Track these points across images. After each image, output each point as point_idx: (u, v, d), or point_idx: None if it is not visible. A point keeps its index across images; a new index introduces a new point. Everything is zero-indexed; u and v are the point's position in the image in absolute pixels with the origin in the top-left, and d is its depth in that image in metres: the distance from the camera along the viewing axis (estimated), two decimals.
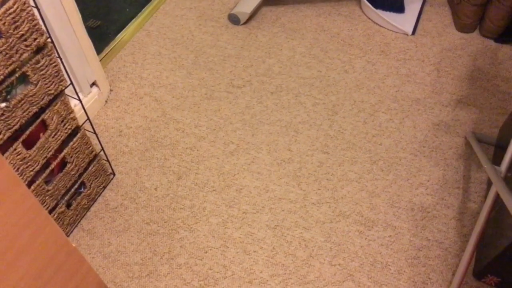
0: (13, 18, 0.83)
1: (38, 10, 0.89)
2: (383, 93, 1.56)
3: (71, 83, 1.06)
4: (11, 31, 0.84)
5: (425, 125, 1.47)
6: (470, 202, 1.30)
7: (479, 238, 1.09)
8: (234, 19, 1.77)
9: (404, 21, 1.74)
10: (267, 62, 1.67)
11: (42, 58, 0.94)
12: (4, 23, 0.82)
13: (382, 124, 1.48)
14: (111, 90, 1.59)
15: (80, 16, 1.35)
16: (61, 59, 1.00)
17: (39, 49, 0.93)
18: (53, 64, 0.98)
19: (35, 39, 0.90)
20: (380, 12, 1.74)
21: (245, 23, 1.79)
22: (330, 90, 1.57)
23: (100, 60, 1.66)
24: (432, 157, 1.39)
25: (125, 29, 1.78)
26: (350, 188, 1.33)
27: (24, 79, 0.94)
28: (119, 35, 1.76)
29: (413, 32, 1.72)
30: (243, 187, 1.35)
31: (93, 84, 1.50)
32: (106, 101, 1.56)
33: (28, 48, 0.89)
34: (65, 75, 1.04)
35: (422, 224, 1.26)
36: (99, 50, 1.70)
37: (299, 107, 1.53)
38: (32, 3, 0.88)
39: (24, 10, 0.85)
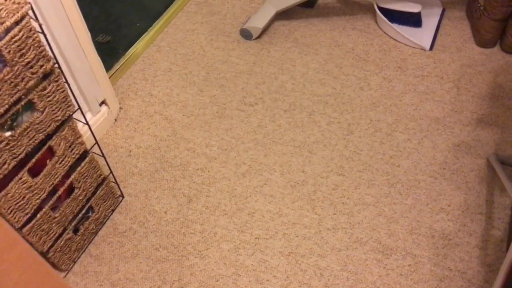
0: (18, 46, 0.80)
1: (45, 35, 0.86)
2: (400, 111, 1.50)
3: (79, 107, 1.03)
4: (16, 59, 0.81)
5: (445, 146, 1.41)
6: (493, 229, 1.23)
7: (509, 269, 1.03)
8: (246, 34, 1.74)
9: (422, 36, 1.69)
10: (280, 79, 1.62)
11: (49, 85, 0.91)
12: (9, 51, 0.79)
13: (400, 145, 1.42)
14: (120, 108, 1.56)
15: (90, 34, 1.33)
16: (68, 84, 0.97)
17: (46, 76, 0.90)
18: (61, 90, 0.95)
19: (42, 66, 0.87)
20: (396, 26, 1.69)
21: (257, 38, 1.75)
22: (345, 108, 1.52)
23: (110, 77, 1.64)
24: (452, 180, 1.33)
25: (135, 44, 1.75)
26: (367, 213, 1.28)
27: (30, 106, 0.91)
28: (129, 50, 1.73)
29: (431, 48, 1.66)
30: (255, 211, 1.30)
31: (103, 102, 1.47)
32: (115, 120, 1.53)
33: (34, 76, 0.86)
34: (73, 99, 1.01)
35: (444, 252, 1.20)
36: (108, 66, 1.67)
37: (313, 126, 1.48)
38: (38, 29, 0.85)
39: (30, 37, 0.82)
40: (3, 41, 0.77)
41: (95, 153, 1.17)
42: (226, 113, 1.54)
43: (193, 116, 1.53)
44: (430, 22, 1.74)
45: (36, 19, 0.82)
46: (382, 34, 1.73)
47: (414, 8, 1.68)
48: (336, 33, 1.75)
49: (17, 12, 0.78)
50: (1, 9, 0.78)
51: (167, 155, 1.44)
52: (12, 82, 0.82)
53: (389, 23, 1.68)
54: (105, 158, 1.21)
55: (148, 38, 1.77)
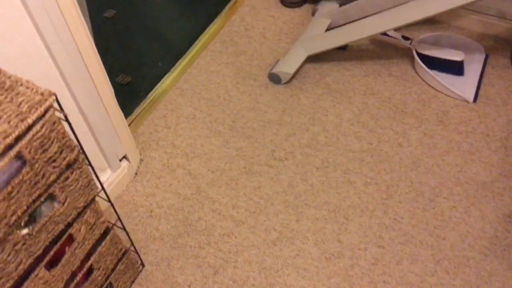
0: (40, 142, 0.70)
1: (69, 124, 0.76)
2: (443, 173, 1.39)
3: (102, 188, 0.93)
4: (37, 156, 0.71)
5: (495, 216, 1.29)
6: None
7: None
8: (275, 79, 1.63)
9: (464, 86, 1.57)
10: (311, 130, 1.51)
11: (72, 173, 0.81)
12: (30, 151, 0.69)
13: (445, 213, 1.30)
14: (141, 160, 1.46)
15: (112, 90, 1.23)
16: (92, 167, 0.87)
17: (69, 165, 0.80)
18: (84, 176, 0.85)
19: (65, 157, 0.77)
20: (435, 74, 1.57)
21: (286, 82, 1.64)
22: (382, 167, 1.41)
23: (130, 124, 1.54)
24: (504, 258, 1.21)
25: (157, 86, 1.65)
26: None
27: (49, 196, 0.81)
28: (150, 93, 1.63)
29: (475, 99, 1.54)
30: (287, 287, 1.19)
31: (123, 157, 1.37)
32: (136, 173, 1.43)
33: (57, 169, 0.76)
34: (94, 180, 0.91)
35: None
36: (129, 111, 1.58)
37: (348, 187, 1.37)
38: (62, 116, 0.75)
39: (54, 130, 0.72)
40: (23, 142, 0.67)
41: (117, 226, 1.07)
42: (254, 169, 1.43)
43: (219, 172, 1.43)
44: (472, 69, 1.62)
45: (61, 110, 0.72)
46: (420, 82, 1.62)
47: (456, 56, 1.57)
48: (371, 79, 1.64)
49: (40, 106, 0.68)
50: (22, 102, 0.68)
51: (191, 216, 1.33)
52: (31, 181, 0.72)
53: (429, 70, 1.57)
54: (127, 233, 1.10)
55: (170, 80, 1.67)
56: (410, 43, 1.62)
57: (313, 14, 1.84)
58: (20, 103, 0.69)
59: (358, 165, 1.42)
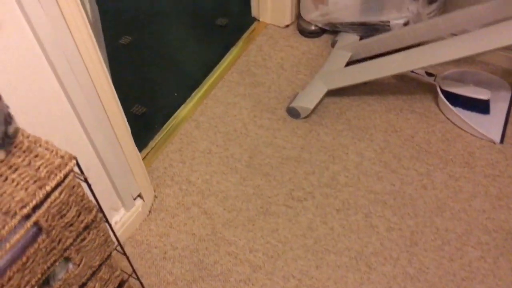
0: (58, 209, 0.66)
1: (89, 185, 0.71)
2: (470, 219, 1.33)
3: (119, 243, 0.88)
4: (54, 223, 0.67)
5: None
6: None
7: None
8: (293, 113, 1.59)
9: (490, 126, 1.52)
10: (331, 169, 1.46)
11: (89, 233, 0.76)
12: (47, 219, 0.65)
13: (472, 264, 1.24)
14: (155, 197, 1.42)
15: (129, 128, 1.19)
16: (107, 221, 0.82)
17: (86, 227, 0.75)
18: (101, 234, 0.80)
19: (83, 220, 0.72)
20: (460, 112, 1.52)
21: (305, 117, 1.60)
22: (406, 211, 1.35)
23: (145, 157, 1.50)
24: None
25: (172, 118, 1.61)
26: None
27: (64, 259, 0.77)
28: (165, 125, 1.59)
29: (502, 141, 1.49)
30: None
31: (138, 195, 1.33)
32: (149, 211, 1.38)
33: (74, 233, 0.72)
34: (111, 235, 0.86)
35: None
36: (144, 143, 1.54)
37: (370, 232, 1.31)
38: (81, 176, 0.71)
39: (73, 194, 0.68)
40: (41, 211, 0.63)
41: (132, 277, 1.02)
42: (272, 209, 1.38)
43: (235, 211, 1.38)
44: (498, 108, 1.57)
45: (82, 173, 0.68)
46: (444, 120, 1.57)
47: (482, 95, 1.51)
48: (392, 116, 1.59)
49: (60, 172, 0.64)
50: (41, 166, 0.64)
51: (206, 260, 1.28)
52: (47, 248, 0.68)
53: (453, 108, 1.52)
54: (142, 284, 1.05)
55: (186, 112, 1.63)
56: (434, 80, 1.57)
57: (332, 45, 1.80)
58: (39, 167, 0.64)
59: (380, 208, 1.37)
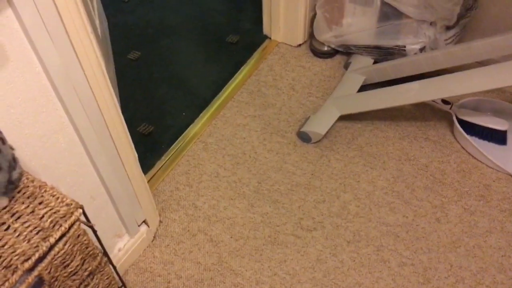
0: (62, 259, 0.62)
1: (94, 232, 0.68)
2: (485, 256, 1.28)
3: (123, 284, 0.84)
4: (57, 274, 0.63)
5: None
6: None
7: None
8: (304, 138, 1.55)
9: (507, 158, 1.47)
10: (342, 198, 1.42)
11: (93, 279, 0.73)
12: (50, 271, 0.61)
13: None
14: (160, 222, 1.38)
15: (136, 156, 1.15)
16: (111, 263, 0.78)
17: (90, 273, 0.71)
18: (106, 277, 0.76)
19: (87, 268, 0.68)
20: (476, 141, 1.48)
21: (316, 142, 1.56)
22: (419, 245, 1.31)
23: (151, 179, 1.46)
24: None
25: (180, 138, 1.58)
26: None
27: None
28: (173, 146, 1.56)
29: None
30: None
31: (143, 222, 1.29)
32: (154, 237, 1.34)
33: (77, 281, 0.68)
34: (116, 278, 0.82)
35: None
36: (150, 164, 1.50)
37: (381, 267, 1.27)
38: (87, 223, 0.67)
39: (78, 243, 0.64)
40: (43, 264, 0.59)
41: None
42: (280, 239, 1.34)
43: (242, 240, 1.34)
44: None
45: (88, 222, 0.64)
46: (460, 149, 1.52)
47: (500, 125, 1.47)
48: (406, 143, 1.55)
49: (65, 222, 0.60)
50: (45, 215, 0.60)
51: None
52: None
53: (469, 137, 1.47)
54: None
55: (194, 132, 1.59)
56: (450, 108, 1.53)
57: (345, 67, 1.76)
58: (43, 216, 0.61)
59: (392, 241, 1.32)
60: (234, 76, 1.77)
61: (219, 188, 1.46)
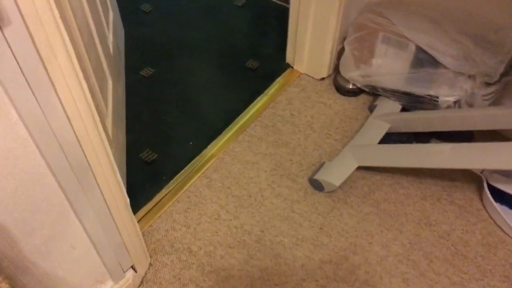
0: None
1: None
2: None
3: None
4: None
5: None
6: None
7: None
8: (317, 185, 1.42)
9: None
10: (350, 260, 1.29)
11: None
12: None
13: None
14: (150, 265, 1.27)
15: (128, 201, 1.04)
16: None
17: None
18: None
19: None
20: (506, 212, 1.33)
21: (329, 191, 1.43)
22: None
23: (147, 214, 1.36)
24: None
25: (183, 171, 1.47)
26: None
27: None
28: (175, 178, 1.45)
29: None
30: None
31: (130, 267, 1.18)
32: (141, 282, 1.24)
33: None
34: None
35: None
36: (149, 197, 1.40)
37: None
38: None
39: None
40: None
41: None
42: None
43: None
44: None
45: None
46: (487, 219, 1.38)
47: None
48: (428, 205, 1.41)
49: None
50: None
51: None
52: None
53: (499, 208, 1.33)
54: None
55: (199, 165, 1.48)
56: (482, 172, 1.39)
57: (370, 109, 1.63)
58: None
59: None
60: (250, 107, 1.66)
61: (218, 233, 1.34)
